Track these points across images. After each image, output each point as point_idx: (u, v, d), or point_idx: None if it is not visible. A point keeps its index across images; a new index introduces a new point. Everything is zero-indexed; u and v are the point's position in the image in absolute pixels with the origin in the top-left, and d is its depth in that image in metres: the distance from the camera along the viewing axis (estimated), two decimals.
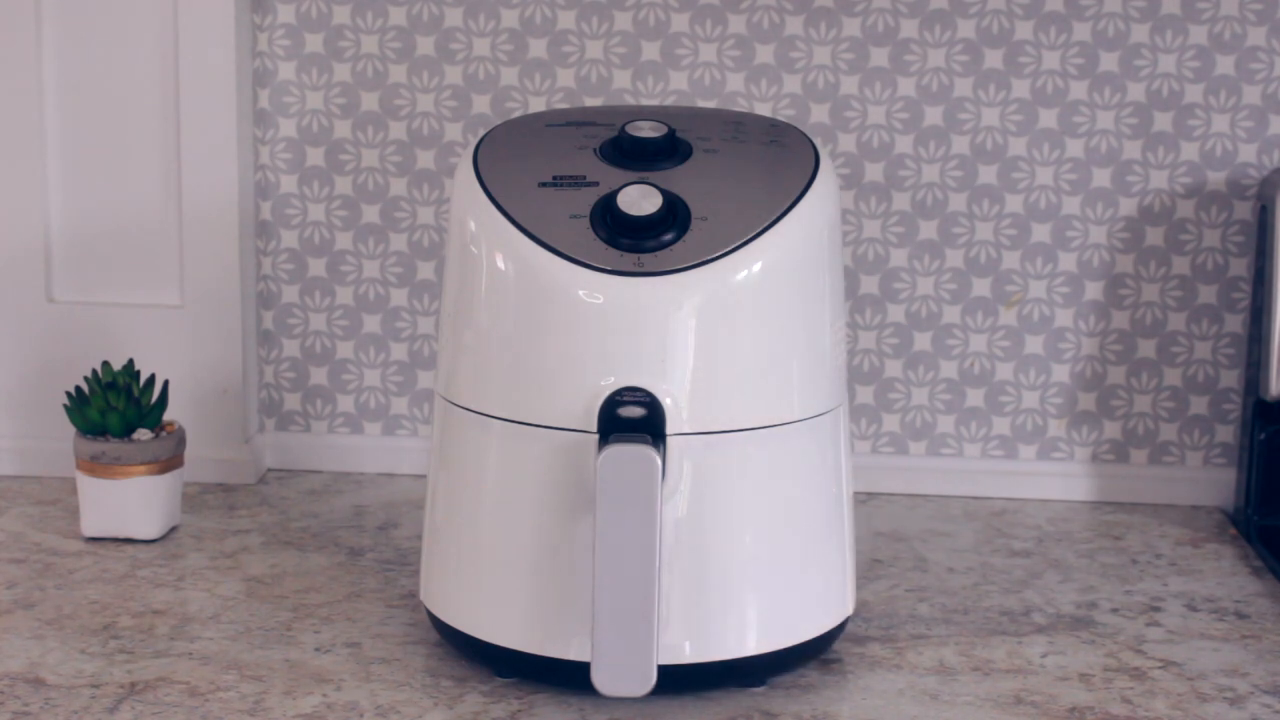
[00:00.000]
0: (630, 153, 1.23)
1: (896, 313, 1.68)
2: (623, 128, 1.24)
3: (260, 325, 1.70)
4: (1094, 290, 1.66)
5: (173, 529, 1.53)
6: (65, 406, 1.51)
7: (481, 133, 1.32)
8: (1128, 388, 1.68)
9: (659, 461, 1.11)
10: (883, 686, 1.25)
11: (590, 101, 1.65)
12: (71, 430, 1.52)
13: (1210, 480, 1.68)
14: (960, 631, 1.35)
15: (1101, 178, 1.65)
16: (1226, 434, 1.68)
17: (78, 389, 1.51)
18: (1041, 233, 1.66)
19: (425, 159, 1.67)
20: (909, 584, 1.45)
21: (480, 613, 1.22)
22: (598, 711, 1.20)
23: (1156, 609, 1.41)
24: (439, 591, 1.25)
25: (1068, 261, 1.66)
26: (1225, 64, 1.62)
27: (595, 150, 1.24)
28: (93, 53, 1.63)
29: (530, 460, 1.18)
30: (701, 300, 1.16)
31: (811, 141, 1.28)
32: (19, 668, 1.25)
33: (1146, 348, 1.67)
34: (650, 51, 1.64)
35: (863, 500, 1.66)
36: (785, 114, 1.64)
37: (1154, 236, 1.66)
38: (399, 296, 1.69)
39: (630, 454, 1.11)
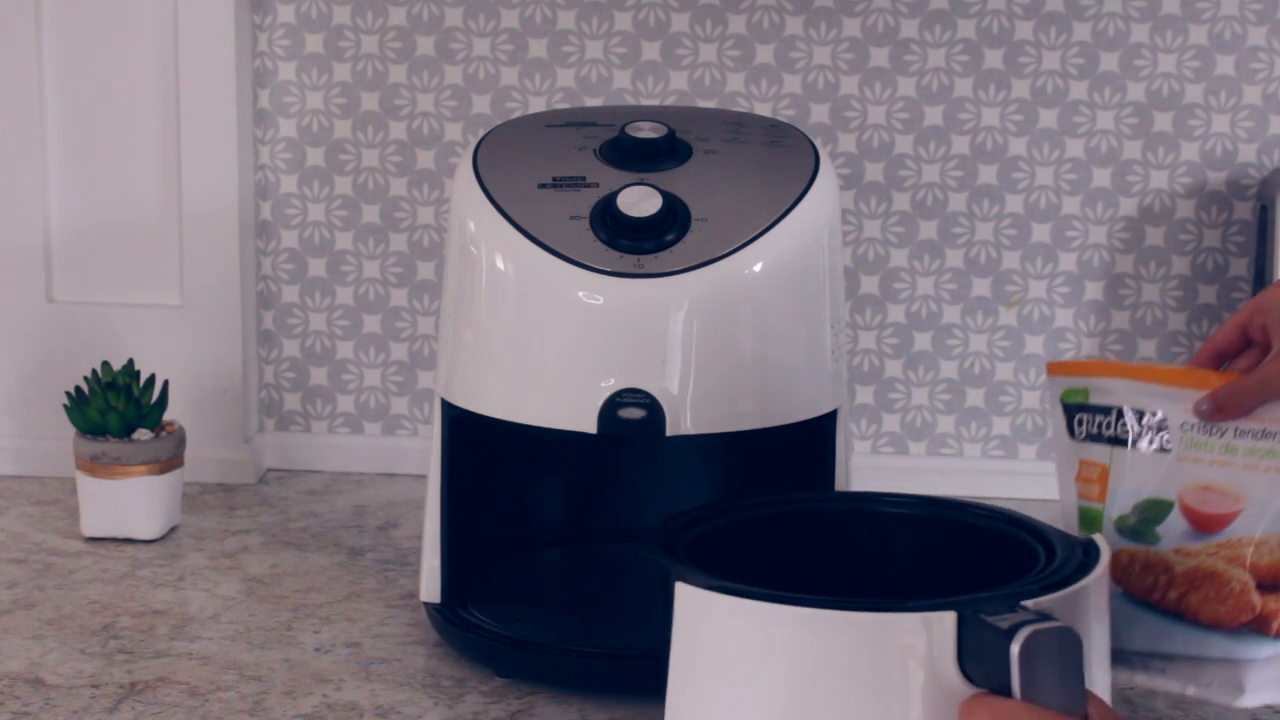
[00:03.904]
0: (630, 153, 1.23)
1: (896, 313, 1.68)
2: (622, 128, 1.24)
3: (260, 325, 1.70)
4: (1094, 290, 1.66)
5: (173, 529, 1.53)
6: (65, 406, 1.51)
7: (482, 133, 1.32)
8: None
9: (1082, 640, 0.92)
10: None
11: (590, 101, 1.65)
12: (71, 430, 1.52)
13: None
14: None
15: (1101, 178, 1.65)
16: None
17: (78, 389, 1.51)
18: (1041, 233, 1.66)
19: (425, 159, 1.67)
20: None
21: None
22: (598, 711, 1.20)
23: None
24: None
25: (1068, 261, 1.66)
26: (1225, 64, 1.62)
27: (595, 151, 1.24)
28: (93, 53, 1.63)
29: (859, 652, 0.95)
30: (701, 301, 1.16)
31: (811, 142, 1.28)
32: (19, 668, 1.25)
33: (1147, 348, 1.67)
34: (650, 51, 1.64)
35: None
36: (785, 114, 1.64)
37: (1154, 236, 1.66)
38: (399, 296, 1.69)
39: (1058, 637, 0.88)
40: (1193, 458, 1.13)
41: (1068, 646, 0.88)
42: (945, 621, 0.91)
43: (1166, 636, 1.14)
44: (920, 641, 0.91)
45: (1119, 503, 1.15)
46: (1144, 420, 1.13)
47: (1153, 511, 1.14)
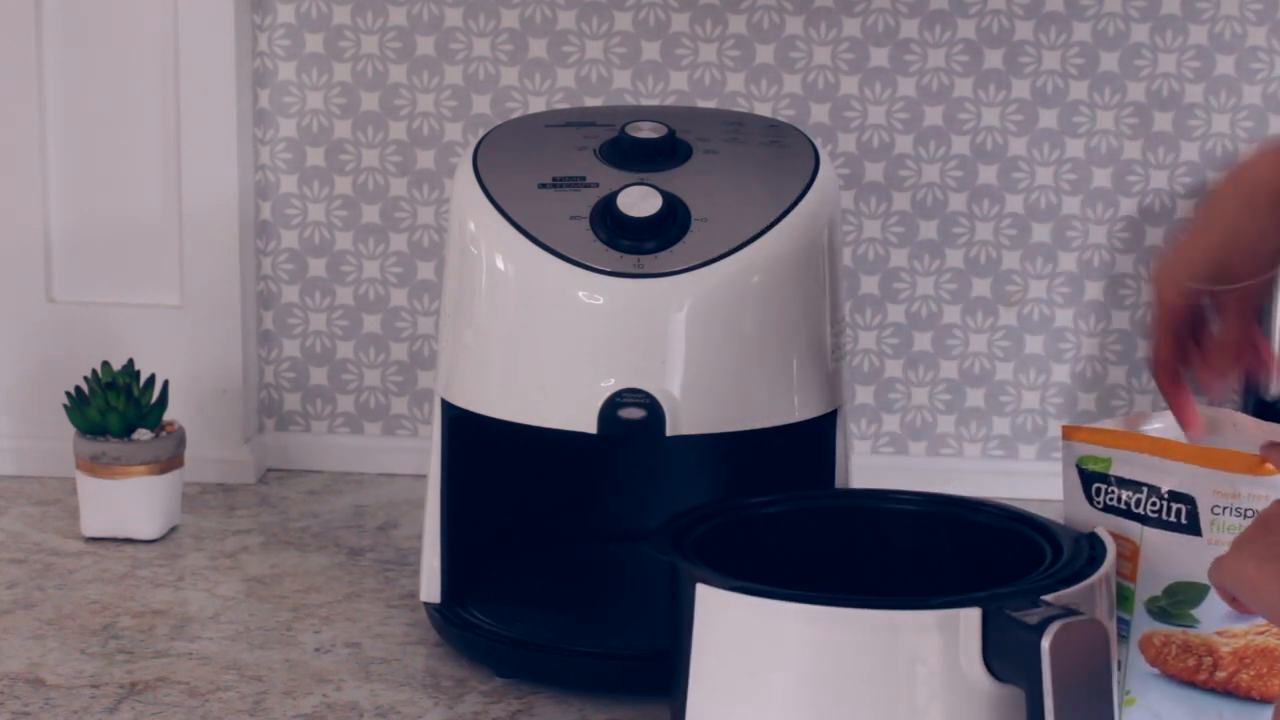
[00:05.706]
0: (630, 153, 1.23)
1: (896, 313, 1.68)
2: (622, 128, 1.24)
3: (260, 325, 1.70)
4: (1094, 290, 1.66)
5: (173, 529, 1.53)
6: (65, 406, 1.51)
7: (482, 133, 1.32)
8: (1128, 388, 1.68)
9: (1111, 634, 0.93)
10: None
11: (590, 101, 1.65)
12: (71, 430, 1.52)
13: None
14: None
15: (1101, 178, 1.65)
16: None
17: (78, 389, 1.51)
18: (1041, 233, 1.66)
19: (425, 159, 1.67)
20: None
21: None
22: (598, 711, 1.20)
23: None
24: None
25: (1068, 261, 1.66)
26: (1225, 64, 1.62)
27: (595, 151, 1.24)
28: (93, 53, 1.63)
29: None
30: (701, 302, 1.16)
31: (811, 142, 1.28)
32: (19, 668, 1.25)
33: (1146, 348, 1.67)
34: (650, 51, 1.64)
35: None
36: (785, 114, 1.64)
37: (1154, 236, 1.66)
38: (399, 296, 1.69)
39: (1083, 630, 0.88)
40: (1225, 540, 1.08)
41: (1096, 639, 0.88)
42: (970, 618, 0.91)
43: (1216, 714, 1.10)
44: (944, 638, 0.91)
45: (1148, 583, 1.10)
46: (1172, 500, 1.09)
47: (1187, 594, 1.09)
